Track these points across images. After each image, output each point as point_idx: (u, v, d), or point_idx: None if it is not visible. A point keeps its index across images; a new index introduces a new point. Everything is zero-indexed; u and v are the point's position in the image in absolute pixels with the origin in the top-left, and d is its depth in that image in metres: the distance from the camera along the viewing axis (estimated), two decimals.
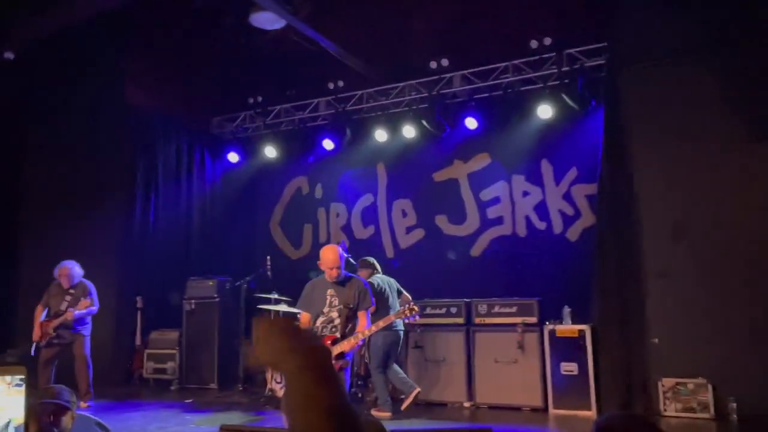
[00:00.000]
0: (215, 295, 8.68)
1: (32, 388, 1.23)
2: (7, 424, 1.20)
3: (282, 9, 7.52)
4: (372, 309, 5.04)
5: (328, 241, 9.55)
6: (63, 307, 6.77)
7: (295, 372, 0.99)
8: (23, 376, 1.22)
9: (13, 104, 9.14)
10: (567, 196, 8.09)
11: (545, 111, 7.72)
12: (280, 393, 7.17)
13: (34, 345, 6.81)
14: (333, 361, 4.59)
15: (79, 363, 6.85)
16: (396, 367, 6.61)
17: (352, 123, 9.03)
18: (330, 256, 4.89)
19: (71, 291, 6.87)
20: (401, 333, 6.65)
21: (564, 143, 8.10)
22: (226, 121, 10.21)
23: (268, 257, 8.33)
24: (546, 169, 8.24)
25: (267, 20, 7.94)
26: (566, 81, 7.56)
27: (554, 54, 7.63)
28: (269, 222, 10.14)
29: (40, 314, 6.85)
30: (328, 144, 9.13)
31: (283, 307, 7.88)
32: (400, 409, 6.30)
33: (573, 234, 7.98)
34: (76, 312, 6.70)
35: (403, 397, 6.45)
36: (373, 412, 6.24)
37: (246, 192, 10.28)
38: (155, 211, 9.32)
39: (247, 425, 5.28)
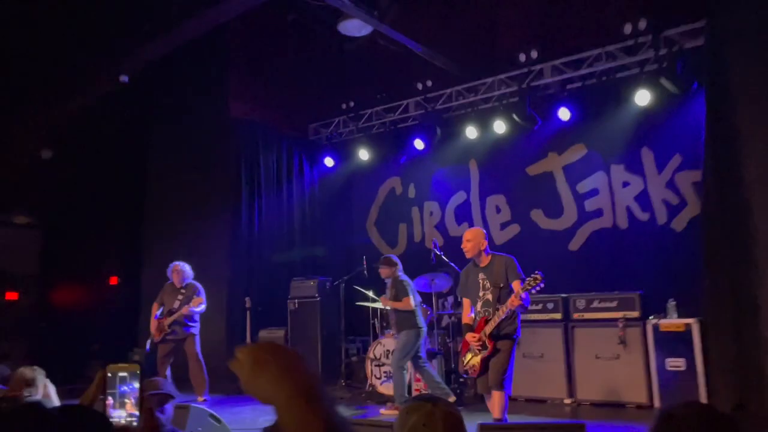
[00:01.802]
0: (316, 295, 9.04)
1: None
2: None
3: (368, 15, 7.73)
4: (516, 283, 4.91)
5: (423, 240, 9.67)
6: (176, 305, 7.32)
7: (284, 403, 0.98)
8: (138, 371, 1.42)
9: (132, 124, 10.05)
10: (671, 185, 7.69)
11: (643, 97, 7.39)
12: (381, 389, 7.38)
13: (149, 342, 7.42)
14: (485, 341, 4.85)
15: (192, 361, 7.37)
16: (430, 368, 6.61)
17: (442, 121, 9.09)
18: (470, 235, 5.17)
19: (182, 290, 7.42)
20: (424, 331, 6.71)
21: (665, 129, 7.70)
22: (322, 126, 10.59)
23: (365, 257, 8.56)
24: (647, 157, 7.88)
25: (355, 27, 8.20)
26: (664, 65, 7.18)
27: (650, 37, 7.28)
28: (365, 222, 10.41)
29: (156, 311, 7.45)
30: (419, 144, 9.24)
31: (379, 305, 8.10)
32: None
33: (679, 224, 7.58)
34: (191, 307, 7.21)
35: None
36: (385, 411, 6.24)
37: (342, 194, 10.62)
38: (259, 215, 9.86)
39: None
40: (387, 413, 6.32)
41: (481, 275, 5.09)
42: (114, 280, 10.63)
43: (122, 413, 1.37)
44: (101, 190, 9.79)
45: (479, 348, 4.91)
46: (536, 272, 4.71)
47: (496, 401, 4.84)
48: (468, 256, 5.21)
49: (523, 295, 4.71)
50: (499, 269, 4.99)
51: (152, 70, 8.52)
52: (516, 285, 4.89)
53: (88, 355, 9.26)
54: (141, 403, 1.39)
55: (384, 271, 6.88)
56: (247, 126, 9.81)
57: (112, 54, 7.82)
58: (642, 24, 7.22)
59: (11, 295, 9.69)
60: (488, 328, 4.87)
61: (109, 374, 1.40)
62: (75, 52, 7.76)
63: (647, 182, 7.87)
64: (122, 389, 1.38)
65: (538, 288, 4.69)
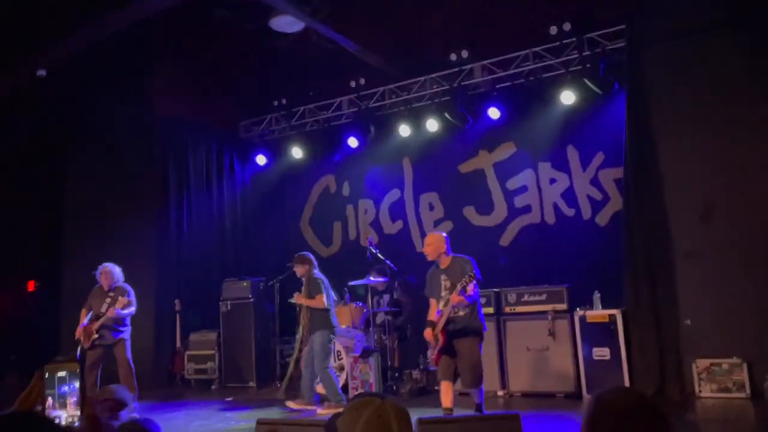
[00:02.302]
0: (250, 296, 8.89)
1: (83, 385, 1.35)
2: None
3: (300, 12, 7.65)
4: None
5: (358, 238, 9.67)
6: (103, 308, 7.01)
7: None
8: (77, 371, 1.35)
9: (50, 119, 9.54)
10: (595, 181, 8.02)
11: (568, 97, 7.68)
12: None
13: (78, 348, 7.08)
14: (437, 335, 5.27)
15: (121, 367, 7.07)
16: (333, 373, 6.67)
17: (375, 119, 9.12)
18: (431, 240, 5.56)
19: (110, 294, 7.11)
20: (336, 331, 6.80)
21: (589, 128, 8.02)
22: (253, 124, 10.41)
23: None
24: (572, 154, 8.19)
25: (287, 24, 8.10)
26: (588, 65, 7.49)
27: (574, 39, 7.55)
28: (299, 221, 10.31)
29: (84, 317, 7.10)
30: (352, 142, 9.24)
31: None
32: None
33: (602, 219, 7.92)
34: (117, 309, 6.91)
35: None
36: (324, 411, 6.30)
37: (275, 193, 10.47)
38: (189, 216, 9.58)
39: (282, 419, 5.42)
40: (324, 412, 6.29)
41: (443, 276, 5.43)
42: (32, 285, 10.05)
43: (62, 413, 1.30)
44: (17, 189, 9.24)
45: (433, 342, 5.35)
46: (470, 272, 5.14)
47: (474, 395, 5.34)
48: (429, 259, 5.56)
49: (461, 294, 5.08)
50: (457, 270, 5.31)
51: (74, 64, 8.11)
52: (470, 286, 5.20)
53: (6, 365, 8.73)
54: (83, 403, 1.32)
55: (298, 270, 6.82)
56: (174, 124, 9.51)
57: (29, 46, 7.39)
58: (567, 26, 7.48)
59: None
60: (439, 324, 5.29)
61: (47, 375, 1.33)
62: None
63: (572, 179, 8.17)
64: (62, 389, 1.31)
65: (470, 285, 5.11)
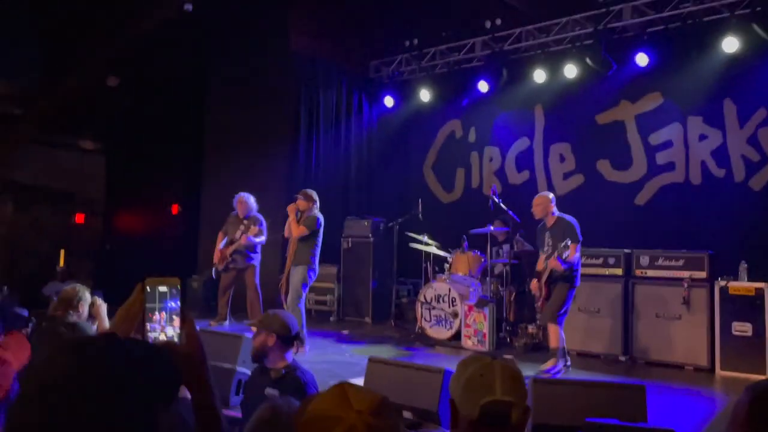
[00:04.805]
0: (370, 235, 9.04)
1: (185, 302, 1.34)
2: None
3: None
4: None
5: (480, 186, 9.45)
6: (238, 235, 7.46)
7: None
8: (178, 286, 1.34)
9: (194, 54, 10.04)
10: (752, 140, 7.20)
11: (731, 44, 6.85)
12: (430, 331, 7.40)
13: (213, 269, 7.63)
14: (541, 287, 5.83)
15: (250, 291, 7.55)
16: (303, 309, 6.55)
17: (509, 63, 8.69)
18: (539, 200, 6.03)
19: (245, 221, 7.54)
20: (315, 272, 6.65)
21: (752, 81, 7.17)
22: (383, 65, 10.32)
23: (420, 200, 8.45)
24: (729, 109, 7.37)
25: None
26: (758, 8, 6.61)
27: None
28: (422, 165, 10.23)
29: (221, 240, 7.62)
30: (483, 86, 8.89)
31: (432, 249, 8.03)
32: None
33: (757, 183, 7.13)
34: (249, 237, 7.33)
35: None
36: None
37: (401, 135, 10.42)
38: (317, 153, 9.81)
39: (393, 359, 5.51)
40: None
41: (547, 234, 5.88)
42: (175, 209, 10.89)
43: (171, 330, 1.30)
44: (164, 119, 9.90)
45: (537, 293, 5.93)
46: (570, 238, 5.57)
47: (550, 333, 5.82)
48: (536, 217, 6.04)
49: (558, 260, 5.60)
50: (559, 232, 5.73)
51: (215, 1, 8.40)
52: (571, 247, 5.63)
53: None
54: (183, 319, 1.32)
55: (301, 203, 6.64)
56: (308, 61, 9.64)
57: None
58: None
59: (79, 218, 10.06)
60: (543, 278, 5.83)
61: (148, 288, 1.32)
62: None
63: (726, 136, 7.39)
64: (168, 305, 1.30)
65: (567, 252, 5.53)
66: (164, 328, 1.29)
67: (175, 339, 1.29)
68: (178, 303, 1.30)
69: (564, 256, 5.53)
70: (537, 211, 5.98)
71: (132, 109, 9.72)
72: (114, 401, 0.97)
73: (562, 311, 5.72)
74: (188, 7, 7.69)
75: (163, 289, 1.30)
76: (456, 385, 1.59)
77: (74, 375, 0.98)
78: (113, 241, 10.08)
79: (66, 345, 1.07)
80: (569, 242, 5.53)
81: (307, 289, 6.68)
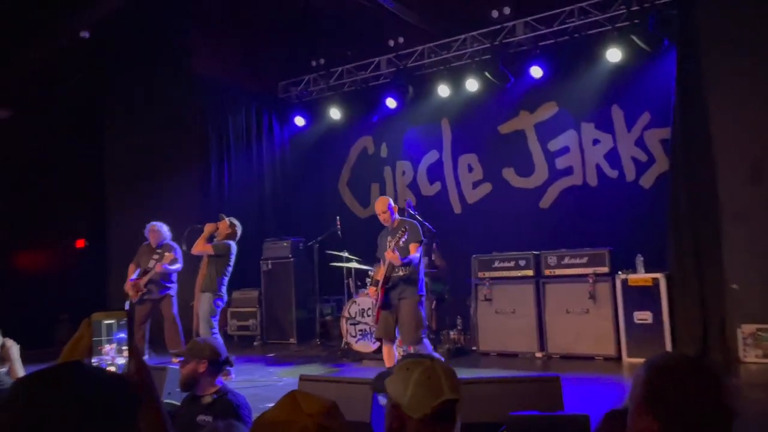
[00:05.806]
0: (289, 256, 9.02)
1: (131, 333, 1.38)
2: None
3: None
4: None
5: (395, 200, 9.66)
6: (152, 264, 7.21)
7: None
8: (125, 318, 1.38)
9: (91, 82, 9.68)
10: (640, 142, 7.82)
11: (614, 54, 7.43)
12: (356, 347, 7.47)
13: (127, 303, 7.33)
14: (377, 290, 5.43)
15: (168, 322, 7.30)
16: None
17: (414, 79, 8.99)
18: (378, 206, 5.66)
19: (158, 250, 7.31)
20: (223, 300, 6.66)
21: (635, 87, 7.79)
22: (292, 85, 10.38)
23: (338, 217, 8.55)
24: (617, 114, 7.98)
25: None
26: (636, 21, 7.21)
27: None
28: (338, 183, 10.35)
29: (133, 272, 7.33)
30: (391, 102, 9.15)
31: (353, 265, 8.12)
32: None
33: (647, 181, 7.74)
34: (164, 264, 7.09)
35: None
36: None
37: (314, 154, 10.50)
38: (229, 176, 9.69)
39: (324, 375, 5.54)
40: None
41: (389, 237, 5.52)
42: (80, 243, 10.39)
43: (120, 360, 1.35)
44: (62, 150, 9.46)
45: (375, 299, 5.55)
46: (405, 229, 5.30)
47: (387, 354, 5.51)
48: (385, 223, 5.64)
49: (395, 251, 5.23)
50: (401, 231, 5.40)
51: (112, 24, 8.17)
52: (411, 247, 5.36)
53: (57, 324, 9.07)
54: (131, 350, 1.36)
55: (222, 228, 6.70)
56: (213, 83, 9.54)
57: (72, 6, 7.47)
58: None
59: None
60: (379, 279, 5.46)
61: (94, 322, 1.36)
62: (33, 4, 7.38)
63: (617, 140, 7.98)
64: (117, 336, 1.35)
65: (403, 240, 5.27)
66: (114, 359, 1.32)
67: (124, 370, 1.33)
68: (126, 334, 1.34)
69: (401, 244, 5.25)
70: (384, 217, 5.57)
71: (28, 141, 9.22)
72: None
73: (424, 328, 5.42)
74: (85, 34, 7.46)
75: (109, 321, 1.34)
76: (402, 390, 1.61)
77: (39, 410, 0.97)
78: (13, 282, 9.45)
79: (21, 383, 1.06)
80: (407, 234, 5.28)
81: (218, 318, 6.59)
